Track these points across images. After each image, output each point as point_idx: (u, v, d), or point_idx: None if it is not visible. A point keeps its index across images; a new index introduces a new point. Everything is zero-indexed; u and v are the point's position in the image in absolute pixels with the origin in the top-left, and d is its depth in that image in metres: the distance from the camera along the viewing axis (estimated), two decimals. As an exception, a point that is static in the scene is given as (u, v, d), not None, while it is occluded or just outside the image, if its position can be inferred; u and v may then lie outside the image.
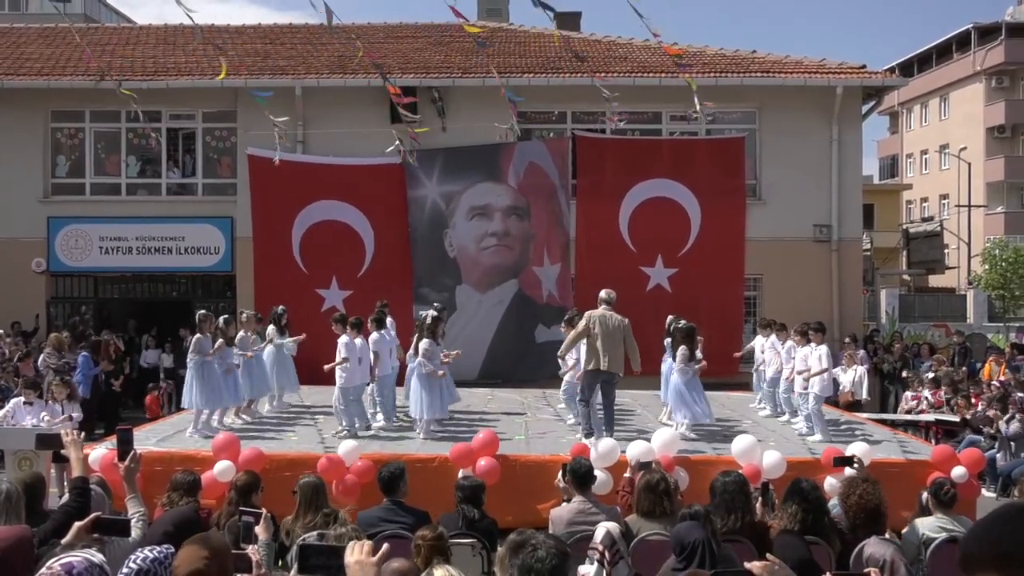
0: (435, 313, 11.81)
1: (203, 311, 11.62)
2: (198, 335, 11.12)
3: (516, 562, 3.22)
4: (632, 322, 18.28)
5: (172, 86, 18.37)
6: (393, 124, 17.75)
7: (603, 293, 10.92)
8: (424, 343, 11.13)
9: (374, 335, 11.69)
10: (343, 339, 11.17)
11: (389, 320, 13.02)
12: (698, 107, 11.48)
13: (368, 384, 11.68)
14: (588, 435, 10.25)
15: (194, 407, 11.01)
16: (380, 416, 12.04)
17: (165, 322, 19.39)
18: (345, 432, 10.86)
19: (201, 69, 18.88)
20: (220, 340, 11.22)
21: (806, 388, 11.28)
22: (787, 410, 12.44)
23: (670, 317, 12.61)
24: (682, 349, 11.09)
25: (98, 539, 3.97)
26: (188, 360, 11.13)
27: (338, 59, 19.86)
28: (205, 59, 19.68)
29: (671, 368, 11.63)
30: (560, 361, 11.72)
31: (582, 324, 10.52)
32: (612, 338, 10.44)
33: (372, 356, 11.49)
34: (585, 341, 10.58)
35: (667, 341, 12.40)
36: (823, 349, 11.24)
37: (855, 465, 7.78)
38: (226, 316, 11.97)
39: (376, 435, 11.20)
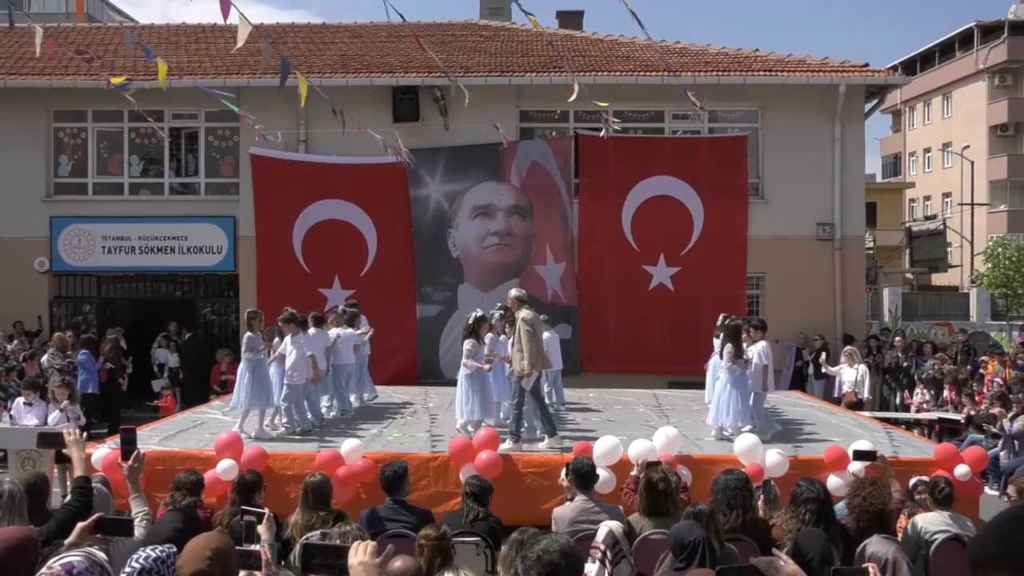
0: (479, 313, 11.47)
1: (252, 309, 11.44)
2: (248, 333, 10.92)
3: (523, 564, 3.18)
4: (635, 321, 18.49)
5: (175, 85, 18.32)
6: (395, 124, 17.79)
7: (518, 292, 10.66)
8: (467, 343, 10.96)
9: (312, 331, 11.58)
10: (289, 337, 11.07)
11: (363, 317, 13.36)
12: (695, 101, 11.40)
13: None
14: (552, 434, 10.12)
15: (243, 406, 10.81)
16: (334, 410, 12.35)
17: (167, 321, 19.37)
18: (284, 430, 10.83)
19: (204, 69, 18.90)
20: (275, 338, 11.21)
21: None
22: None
23: (722, 315, 12.52)
24: (728, 347, 10.79)
25: (102, 539, 3.98)
26: (243, 357, 10.96)
27: (340, 58, 19.87)
28: (208, 59, 19.70)
29: (718, 366, 11.59)
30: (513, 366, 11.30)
31: (532, 328, 10.14)
32: (541, 337, 10.36)
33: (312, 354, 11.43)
34: (523, 343, 10.20)
35: (716, 340, 12.28)
36: (761, 345, 11.19)
37: (877, 460, 7.74)
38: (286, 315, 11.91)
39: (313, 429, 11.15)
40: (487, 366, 10.96)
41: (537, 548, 3.12)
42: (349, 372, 12.78)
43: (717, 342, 12.08)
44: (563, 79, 18.53)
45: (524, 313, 10.22)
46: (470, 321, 11.13)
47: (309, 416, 11.32)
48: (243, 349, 10.97)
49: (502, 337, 11.73)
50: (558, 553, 3.07)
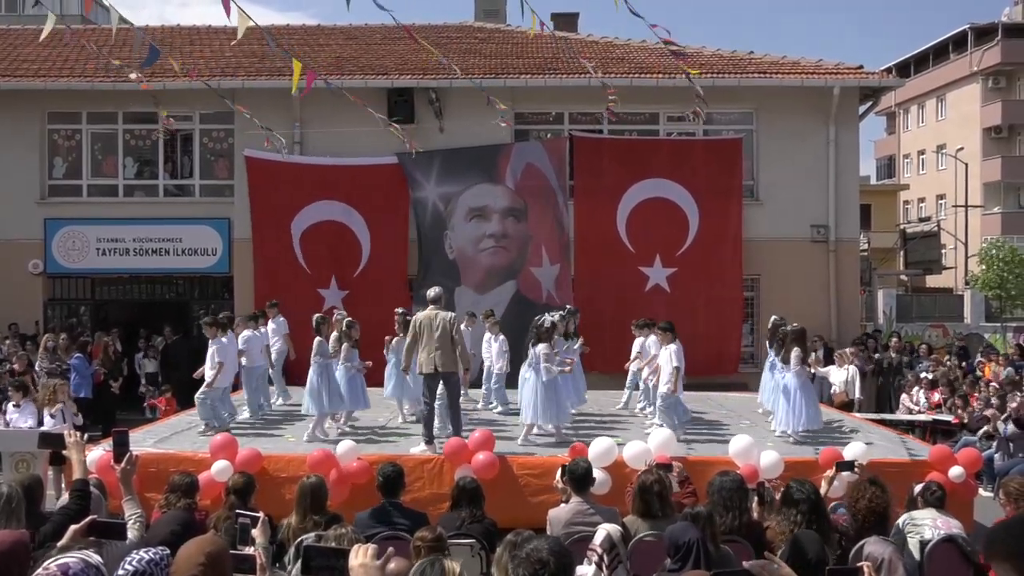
0: (553, 318, 11.42)
1: (319, 315, 11.52)
2: (318, 338, 11.00)
3: (513, 563, 3.19)
4: (631, 322, 18.41)
5: (169, 88, 18.34)
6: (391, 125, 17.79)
7: (430, 292, 10.65)
8: (543, 347, 10.76)
9: (243, 334, 11.77)
10: (215, 343, 11.15)
11: (282, 319, 13.73)
12: (697, 88, 11.39)
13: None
14: (429, 441, 10.01)
15: (317, 412, 10.82)
16: (246, 410, 12.32)
17: (161, 324, 19.31)
18: (210, 432, 10.64)
19: (198, 70, 18.86)
20: (345, 344, 11.32)
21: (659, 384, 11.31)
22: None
23: (774, 318, 12.48)
24: (796, 351, 10.76)
25: (95, 542, 3.96)
26: (313, 362, 10.97)
27: (335, 60, 19.86)
28: (202, 60, 19.67)
29: (772, 369, 11.57)
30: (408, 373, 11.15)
31: (410, 331, 10.24)
32: (444, 337, 10.22)
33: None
34: (411, 344, 10.26)
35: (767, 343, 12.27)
36: (672, 347, 11.20)
37: (856, 469, 7.77)
38: (350, 320, 11.86)
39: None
40: (567, 368, 11.29)
41: (527, 547, 3.14)
42: (260, 374, 12.75)
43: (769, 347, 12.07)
44: (557, 81, 18.57)
45: (419, 313, 10.42)
46: (545, 326, 10.94)
47: (225, 415, 11.35)
48: (313, 354, 10.99)
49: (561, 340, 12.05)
50: (547, 551, 3.09)
